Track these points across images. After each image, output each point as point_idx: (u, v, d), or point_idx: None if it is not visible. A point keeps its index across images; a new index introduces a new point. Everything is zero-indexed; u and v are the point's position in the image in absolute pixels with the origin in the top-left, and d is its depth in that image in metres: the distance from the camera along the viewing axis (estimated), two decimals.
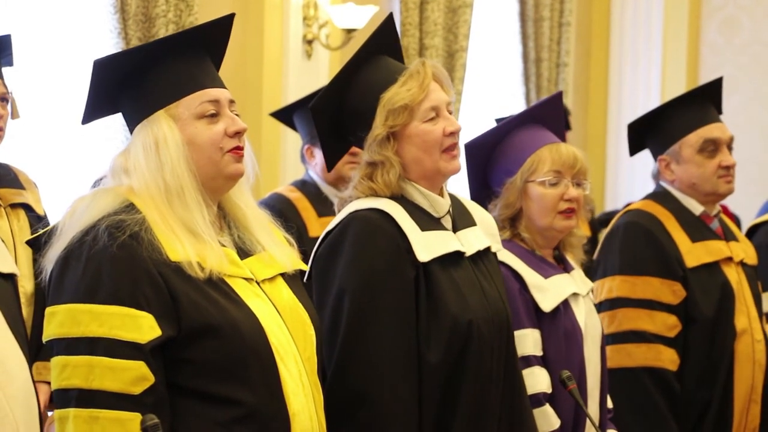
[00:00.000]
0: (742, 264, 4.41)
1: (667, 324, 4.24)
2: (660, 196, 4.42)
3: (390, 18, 3.34)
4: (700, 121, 4.35)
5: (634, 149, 4.56)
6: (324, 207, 5.20)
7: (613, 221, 4.49)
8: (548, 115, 3.85)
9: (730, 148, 4.38)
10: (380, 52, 3.29)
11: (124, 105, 2.88)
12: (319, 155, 5.24)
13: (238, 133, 2.84)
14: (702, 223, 4.37)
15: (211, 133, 2.82)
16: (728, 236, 4.42)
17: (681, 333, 4.25)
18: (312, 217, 5.22)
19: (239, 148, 2.84)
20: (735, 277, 4.33)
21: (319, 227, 5.09)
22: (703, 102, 4.40)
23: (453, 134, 3.23)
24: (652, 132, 4.44)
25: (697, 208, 4.37)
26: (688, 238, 4.31)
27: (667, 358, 4.22)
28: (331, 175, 5.19)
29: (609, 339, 4.24)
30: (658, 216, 4.34)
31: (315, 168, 5.30)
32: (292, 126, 5.51)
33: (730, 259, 4.36)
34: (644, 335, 4.23)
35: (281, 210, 5.03)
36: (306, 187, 5.31)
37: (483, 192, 3.75)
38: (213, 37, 2.94)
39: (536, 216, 3.68)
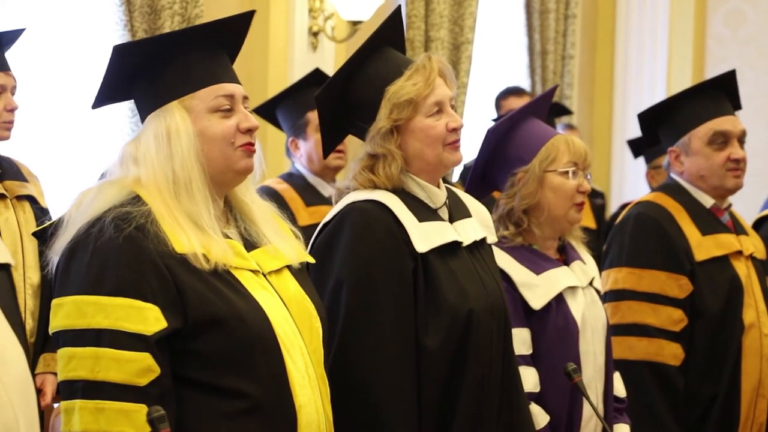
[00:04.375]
0: (752, 258, 4.40)
1: (672, 318, 4.23)
2: (671, 188, 4.41)
3: (398, 11, 3.36)
4: (711, 113, 4.34)
5: (649, 140, 4.56)
6: (311, 196, 5.28)
7: (623, 212, 4.49)
8: (543, 109, 3.88)
9: (741, 141, 4.36)
10: (386, 44, 3.30)
11: (137, 93, 2.87)
12: (303, 147, 5.31)
13: (250, 130, 2.85)
14: (712, 215, 4.36)
15: (224, 127, 2.82)
16: (738, 230, 4.42)
17: (687, 327, 4.25)
18: (300, 206, 5.27)
19: (251, 144, 2.85)
20: (744, 271, 4.33)
21: (307, 216, 5.16)
22: (715, 94, 4.39)
23: (456, 130, 3.24)
24: (663, 123, 4.43)
25: (707, 200, 4.36)
26: (698, 231, 4.30)
27: (669, 353, 4.22)
28: (317, 166, 5.29)
29: (611, 330, 4.24)
30: (669, 208, 4.33)
31: (300, 159, 5.37)
32: (274, 121, 5.51)
33: (740, 253, 4.35)
34: (647, 329, 4.22)
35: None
36: (293, 178, 5.38)
37: (480, 187, 3.75)
38: (232, 33, 2.95)
39: (553, 206, 3.67)
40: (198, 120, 2.81)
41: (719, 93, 4.40)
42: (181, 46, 2.84)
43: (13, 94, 4.25)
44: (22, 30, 4.29)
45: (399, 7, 3.39)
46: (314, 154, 5.26)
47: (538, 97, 3.93)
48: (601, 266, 4.45)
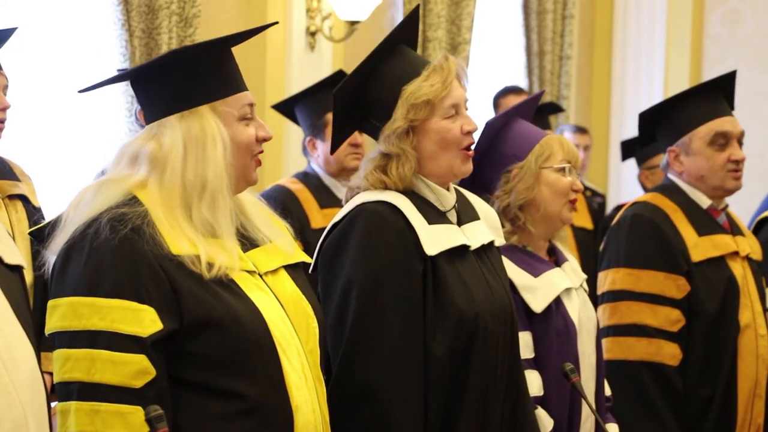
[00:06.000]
0: (748, 259, 4.41)
1: (670, 318, 4.24)
2: (667, 188, 4.42)
3: (416, 10, 3.36)
4: (712, 114, 4.34)
5: (644, 140, 4.56)
6: (326, 198, 5.21)
7: (620, 213, 4.49)
8: (530, 112, 3.89)
9: (740, 142, 4.38)
10: (403, 43, 3.30)
11: (159, 88, 2.80)
12: (321, 147, 5.25)
13: (265, 140, 2.85)
14: (709, 216, 4.37)
15: (248, 135, 2.82)
16: (735, 230, 4.42)
17: (684, 327, 4.25)
18: (314, 208, 5.22)
19: (260, 152, 2.86)
20: (740, 271, 4.33)
21: (321, 219, 5.10)
22: (715, 95, 4.40)
23: (470, 133, 3.25)
24: (663, 122, 4.43)
25: (704, 201, 4.37)
26: (695, 232, 4.31)
27: (668, 353, 4.22)
28: (333, 167, 5.22)
29: (610, 331, 4.25)
30: (665, 209, 4.34)
31: (317, 160, 5.30)
32: (293, 118, 5.51)
33: (736, 254, 4.36)
34: (646, 329, 4.23)
35: (283, 201, 5.05)
36: (308, 178, 5.32)
37: (471, 187, 3.75)
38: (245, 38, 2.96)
39: (548, 202, 3.67)
40: (228, 127, 2.79)
41: (719, 93, 4.41)
42: (225, 51, 2.83)
43: (5, 93, 4.24)
44: (13, 29, 4.28)
45: (417, 7, 3.39)
46: (332, 155, 5.21)
47: (526, 99, 3.94)
48: (598, 267, 4.46)
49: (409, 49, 3.30)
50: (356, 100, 3.26)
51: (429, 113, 3.20)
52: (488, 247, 3.37)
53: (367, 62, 3.25)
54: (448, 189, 3.30)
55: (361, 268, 3.12)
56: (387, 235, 3.14)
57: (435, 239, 3.18)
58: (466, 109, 3.28)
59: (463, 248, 3.26)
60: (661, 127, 4.44)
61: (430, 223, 3.20)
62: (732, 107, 4.44)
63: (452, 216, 3.30)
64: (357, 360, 3.09)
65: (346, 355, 3.09)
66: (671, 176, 4.43)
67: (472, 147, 3.28)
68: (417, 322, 3.13)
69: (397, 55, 3.26)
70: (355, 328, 3.10)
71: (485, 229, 3.38)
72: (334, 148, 3.39)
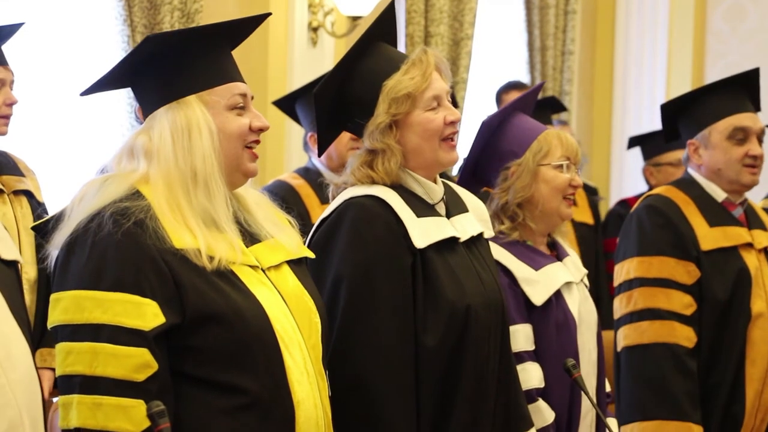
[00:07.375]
0: (766, 252, 4.43)
1: (683, 302, 4.27)
2: (684, 182, 4.46)
3: (392, 6, 3.36)
4: (733, 109, 4.38)
5: (669, 135, 4.59)
6: (327, 194, 5.21)
7: (635, 206, 4.53)
8: (530, 105, 3.89)
9: (760, 139, 4.42)
10: (380, 40, 3.30)
11: (146, 82, 2.83)
12: None
13: (261, 130, 2.85)
14: (723, 209, 4.39)
15: (240, 124, 2.83)
16: (752, 224, 4.45)
17: (696, 312, 4.28)
18: (315, 204, 5.24)
19: (257, 142, 2.86)
20: (755, 263, 4.36)
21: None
22: (737, 90, 4.43)
23: (453, 123, 3.25)
24: (684, 115, 4.46)
25: (719, 194, 4.40)
26: (706, 223, 4.34)
27: (682, 335, 4.25)
28: (335, 162, 5.22)
29: (626, 318, 4.28)
30: (677, 201, 4.37)
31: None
32: (293, 115, 5.50)
33: (751, 246, 4.38)
34: (659, 312, 4.26)
35: (284, 197, 5.05)
36: (309, 174, 5.32)
37: (471, 183, 3.75)
38: (245, 31, 2.95)
39: (546, 199, 3.68)
40: (216, 116, 2.80)
41: (742, 90, 4.44)
42: (208, 40, 2.84)
43: (11, 88, 4.25)
44: (20, 24, 4.29)
45: (392, 3, 3.39)
46: (333, 150, 5.14)
47: (526, 92, 3.94)
48: (614, 260, 4.49)
49: (386, 45, 3.30)
50: (337, 100, 3.27)
51: (411, 106, 3.21)
52: (477, 239, 3.38)
53: (344, 61, 3.26)
54: (435, 182, 3.31)
55: (350, 262, 3.13)
56: (375, 229, 3.15)
57: (424, 232, 3.19)
58: (449, 100, 3.28)
59: (453, 240, 3.27)
60: (683, 119, 4.48)
61: (418, 216, 3.20)
62: (758, 106, 4.47)
63: (441, 208, 3.31)
64: (347, 354, 3.09)
65: (337, 348, 3.09)
66: (690, 170, 4.47)
67: (455, 137, 3.28)
68: (407, 315, 3.14)
69: (374, 51, 3.27)
70: (345, 321, 3.10)
71: (474, 220, 3.39)
72: (321, 151, 3.41)
